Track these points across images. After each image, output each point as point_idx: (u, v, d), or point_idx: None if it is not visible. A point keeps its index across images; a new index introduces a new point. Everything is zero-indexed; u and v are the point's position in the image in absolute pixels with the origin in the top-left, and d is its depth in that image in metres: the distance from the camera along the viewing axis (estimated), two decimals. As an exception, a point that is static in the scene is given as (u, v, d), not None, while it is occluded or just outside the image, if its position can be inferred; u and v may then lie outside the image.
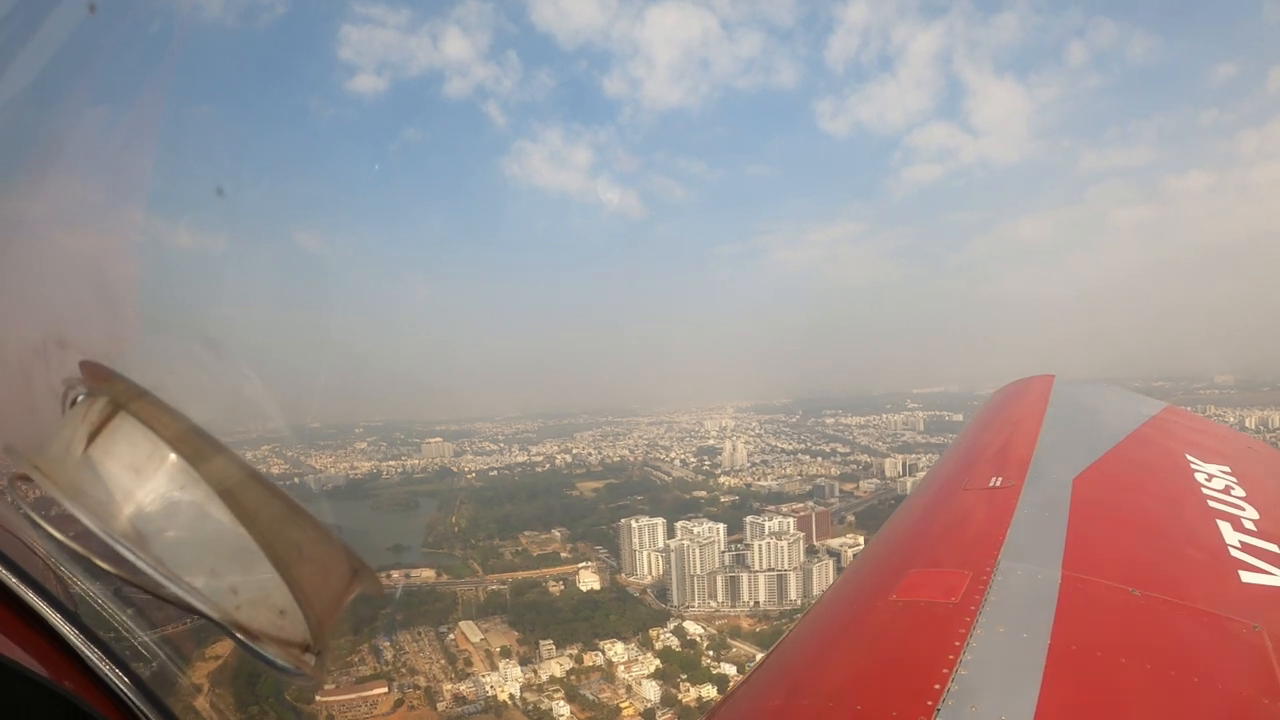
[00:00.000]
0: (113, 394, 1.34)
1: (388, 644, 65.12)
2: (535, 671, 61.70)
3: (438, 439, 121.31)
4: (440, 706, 58.12)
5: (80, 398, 1.40)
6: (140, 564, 1.24)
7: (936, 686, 2.55)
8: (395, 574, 76.06)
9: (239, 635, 1.31)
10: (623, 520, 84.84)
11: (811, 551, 78.41)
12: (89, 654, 1.64)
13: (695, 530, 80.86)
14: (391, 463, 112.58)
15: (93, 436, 1.30)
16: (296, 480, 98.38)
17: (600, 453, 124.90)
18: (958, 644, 2.78)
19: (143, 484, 1.30)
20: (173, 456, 1.31)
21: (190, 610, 1.28)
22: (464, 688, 59.45)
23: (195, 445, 1.32)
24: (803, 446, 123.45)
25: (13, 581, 1.59)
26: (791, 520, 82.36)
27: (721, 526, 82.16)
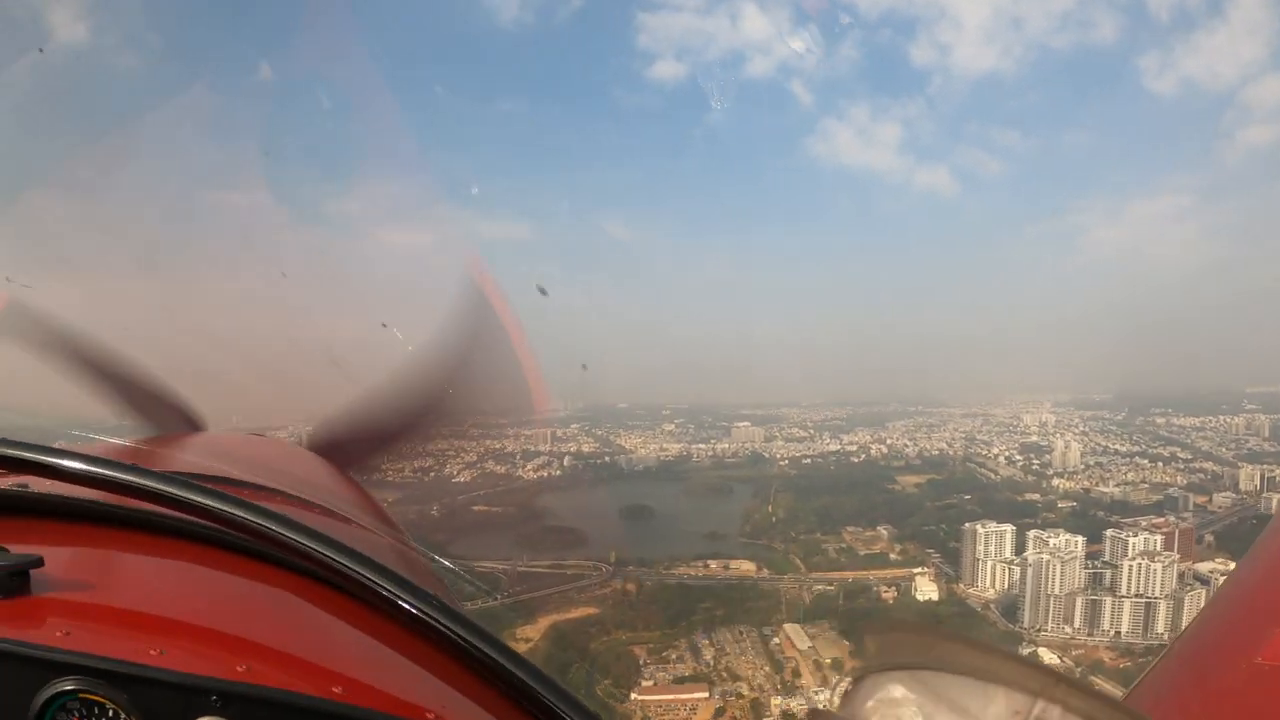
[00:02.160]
0: None
1: (706, 641, 60.93)
2: (874, 692, 53.58)
3: (746, 423, 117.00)
4: (767, 722, 52.49)
5: None
6: None
7: None
8: (713, 564, 72.62)
9: None
10: (966, 525, 74.74)
11: (1179, 576, 64.37)
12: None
13: (1051, 542, 68.64)
14: (701, 446, 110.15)
15: None
16: (607, 459, 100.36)
17: (916, 445, 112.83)
18: None
19: None
20: None
21: None
22: (793, 704, 53.33)
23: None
24: (1138, 449, 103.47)
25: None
26: (1159, 538, 68.05)
27: (1080, 539, 68.94)
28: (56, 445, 1.71)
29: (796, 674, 57.36)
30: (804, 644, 60.39)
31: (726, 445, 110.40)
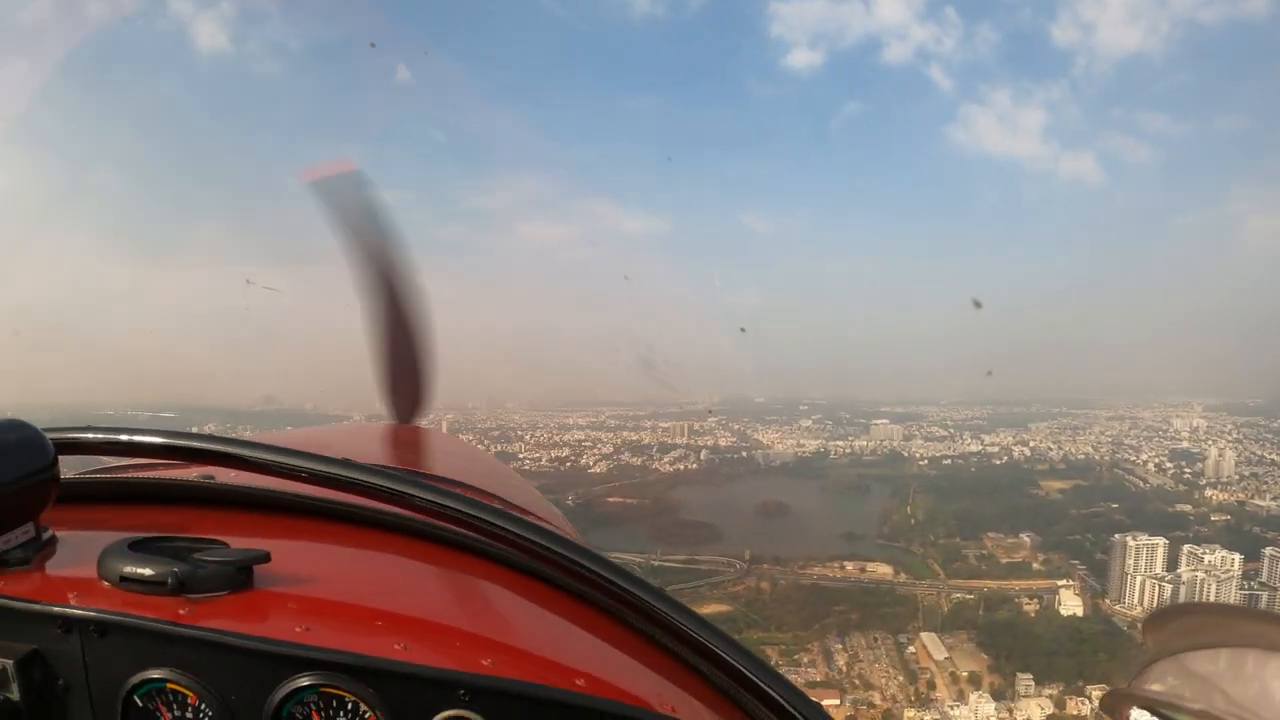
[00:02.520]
0: None
1: (840, 646, 61.11)
2: (1010, 711, 52.98)
3: (884, 420, 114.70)
4: (899, 735, 52.26)
5: None
6: None
7: None
8: (849, 565, 71.98)
9: None
10: (1116, 536, 70.55)
11: (1337, 600, 58.95)
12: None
13: (1206, 559, 64.55)
14: (839, 442, 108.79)
15: None
16: (744, 454, 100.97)
17: (1060, 448, 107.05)
18: None
19: None
20: None
21: None
22: (927, 717, 52.88)
23: None
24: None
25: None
26: (1319, 559, 62.73)
27: (1237, 557, 64.50)
28: (243, 436, 1.89)
29: (931, 686, 56.64)
30: (940, 654, 59.53)
31: (865, 443, 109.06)
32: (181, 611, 1.20)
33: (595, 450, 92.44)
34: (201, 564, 1.24)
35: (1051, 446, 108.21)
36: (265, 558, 1.30)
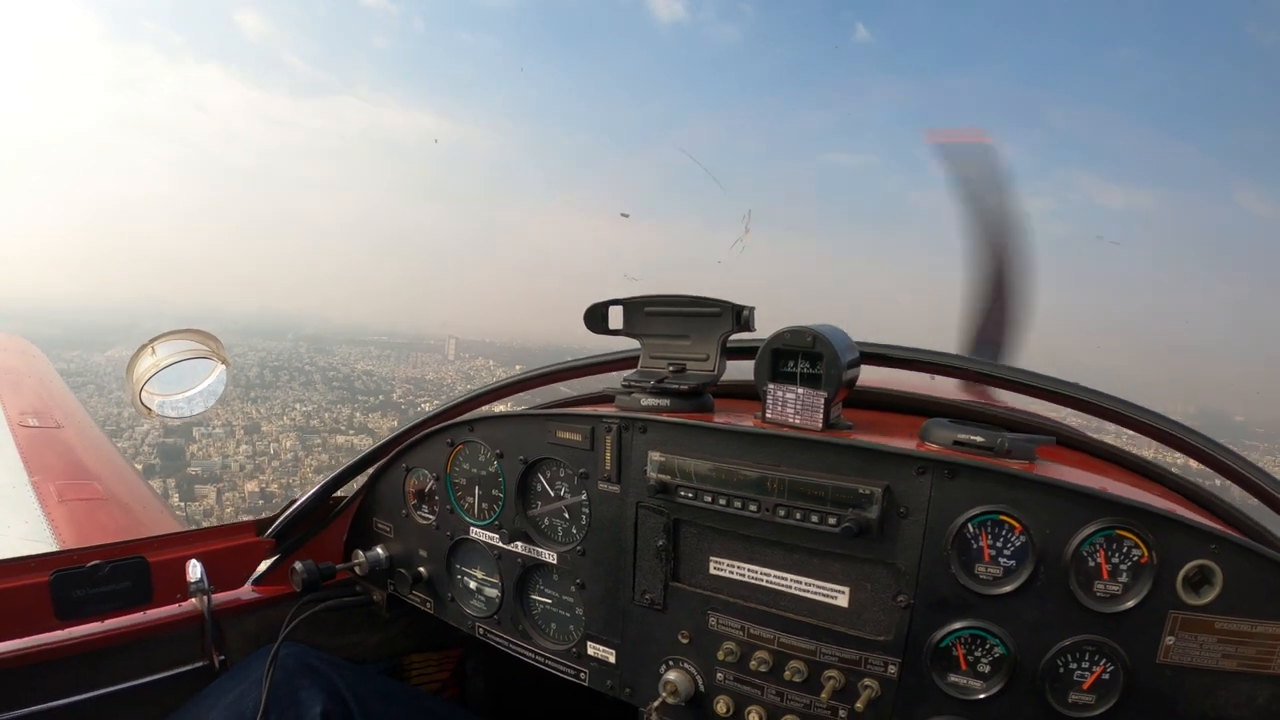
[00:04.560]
0: None
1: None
2: None
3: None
4: None
5: None
6: None
7: None
8: None
9: None
10: None
11: None
12: None
13: None
14: None
15: None
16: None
17: None
18: None
19: None
20: None
21: None
22: None
23: None
24: None
25: None
26: None
27: None
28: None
29: None
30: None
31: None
32: (1015, 466, 1.44)
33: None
34: (1011, 438, 1.49)
35: None
36: (1053, 440, 1.58)
